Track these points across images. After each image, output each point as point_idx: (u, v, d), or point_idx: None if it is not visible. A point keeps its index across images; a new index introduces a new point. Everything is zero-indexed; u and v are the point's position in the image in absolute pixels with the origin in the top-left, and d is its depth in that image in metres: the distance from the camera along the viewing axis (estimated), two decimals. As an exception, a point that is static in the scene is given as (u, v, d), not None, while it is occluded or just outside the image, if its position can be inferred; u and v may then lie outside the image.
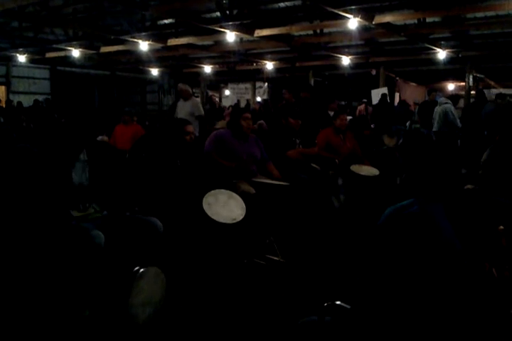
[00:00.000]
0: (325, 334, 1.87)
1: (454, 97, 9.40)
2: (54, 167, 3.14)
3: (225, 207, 3.63)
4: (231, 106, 16.59)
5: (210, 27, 9.75)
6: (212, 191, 3.70)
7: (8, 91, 16.76)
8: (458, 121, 8.61)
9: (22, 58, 14.55)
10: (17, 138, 8.82)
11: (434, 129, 8.82)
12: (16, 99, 15.45)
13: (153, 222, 3.39)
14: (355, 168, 5.41)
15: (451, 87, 16.82)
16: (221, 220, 3.47)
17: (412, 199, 2.03)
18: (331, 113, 6.99)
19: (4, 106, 14.01)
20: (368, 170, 5.46)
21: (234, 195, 3.81)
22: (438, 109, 8.73)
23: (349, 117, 10.25)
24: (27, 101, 14.83)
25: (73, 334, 2.62)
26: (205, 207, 3.49)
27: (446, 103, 8.66)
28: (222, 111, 15.04)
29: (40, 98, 15.67)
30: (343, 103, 15.08)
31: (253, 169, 4.68)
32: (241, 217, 3.56)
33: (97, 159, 3.47)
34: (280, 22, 10.17)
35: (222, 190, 3.79)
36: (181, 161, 4.05)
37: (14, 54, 14.40)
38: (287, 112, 5.79)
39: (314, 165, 5.65)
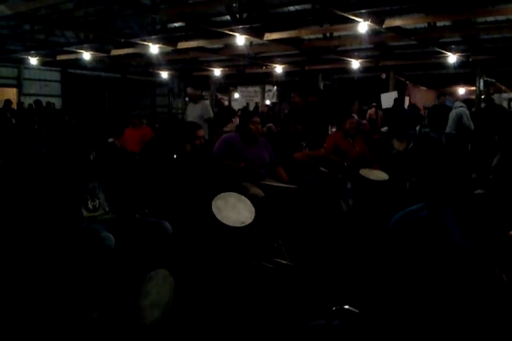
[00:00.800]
0: (333, 339, 1.86)
1: (468, 101, 9.40)
2: (63, 168, 3.17)
3: (234, 210, 3.63)
4: (240, 109, 16.63)
5: (220, 30, 9.78)
6: (221, 194, 3.70)
7: (20, 94, 16.91)
8: (472, 124, 8.60)
9: (33, 61, 14.67)
10: (28, 139, 8.89)
11: (446, 131, 8.80)
12: (27, 101, 15.57)
13: (162, 225, 3.41)
14: (364, 172, 5.39)
15: (461, 91, 16.74)
16: (230, 223, 3.47)
17: (422, 203, 2.03)
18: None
19: (16, 108, 14.15)
20: (377, 175, 5.43)
21: (243, 197, 3.81)
22: (453, 113, 8.74)
23: (364, 121, 10.26)
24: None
25: (82, 335, 2.63)
26: (214, 209, 3.49)
27: (461, 106, 8.69)
28: (231, 113, 15.03)
29: (52, 100, 15.77)
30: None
31: (262, 172, 4.69)
32: (250, 220, 3.56)
33: (105, 160, 3.49)
34: (290, 25, 10.18)
35: (231, 193, 3.79)
36: (190, 164, 4.06)
37: (26, 56, 14.54)
38: (295, 118, 5.80)
39: (323, 169, 5.64)
